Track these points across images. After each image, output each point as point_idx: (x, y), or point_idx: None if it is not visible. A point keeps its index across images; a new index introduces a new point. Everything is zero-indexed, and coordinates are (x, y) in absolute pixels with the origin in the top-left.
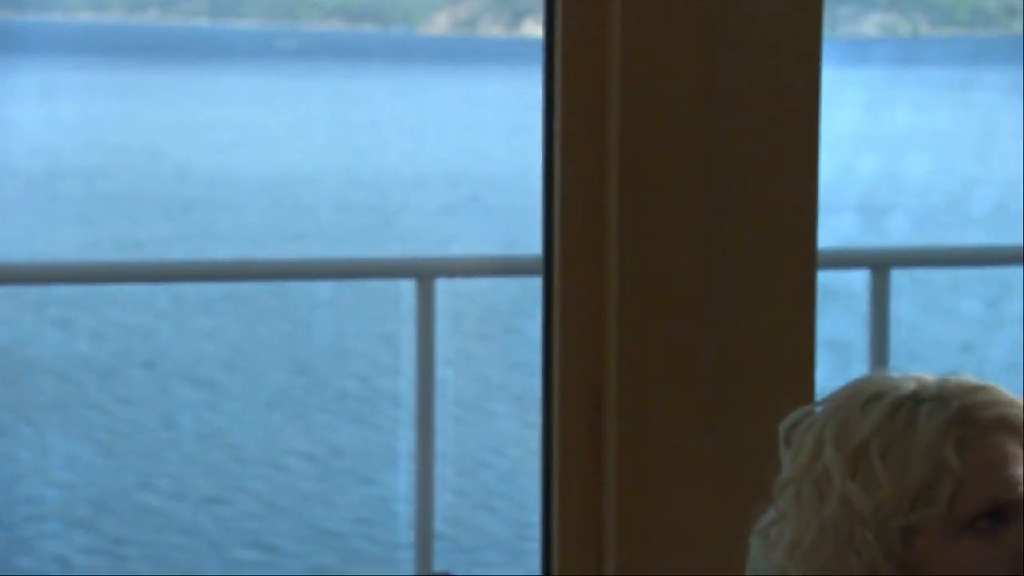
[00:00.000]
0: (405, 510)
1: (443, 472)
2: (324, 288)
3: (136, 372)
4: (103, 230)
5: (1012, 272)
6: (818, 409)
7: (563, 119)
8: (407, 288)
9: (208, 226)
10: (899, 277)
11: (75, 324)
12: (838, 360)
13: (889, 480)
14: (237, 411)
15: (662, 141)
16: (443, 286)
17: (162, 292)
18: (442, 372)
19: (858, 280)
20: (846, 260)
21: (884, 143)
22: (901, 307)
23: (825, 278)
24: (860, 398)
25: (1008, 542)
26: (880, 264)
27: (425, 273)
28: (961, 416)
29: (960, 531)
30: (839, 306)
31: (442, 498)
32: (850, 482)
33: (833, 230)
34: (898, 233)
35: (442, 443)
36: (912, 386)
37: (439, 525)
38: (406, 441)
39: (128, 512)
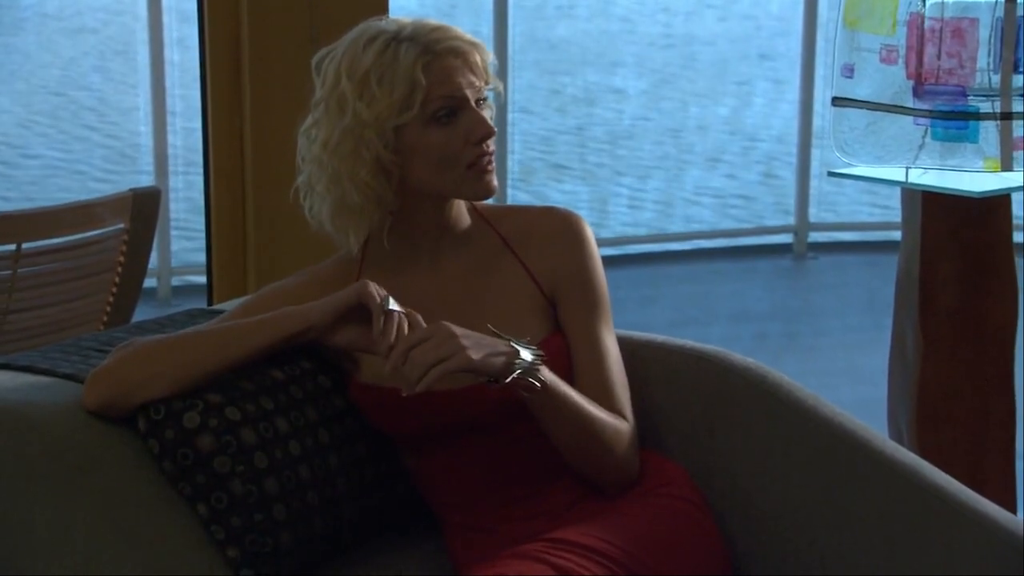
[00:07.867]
0: None
1: None
2: None
3: None
4: None
5: None
6: (337, 49)
7: None
8: None
9: None
10: None
11: None
12: None
13: (383, 97)
14: None
15: None
16: None
17: None
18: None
19: None
20: None
21: None
22: None
23: None
24: (362, 40)
25: (460, 125)
26: None
27: None
28: (425, 48)
29: (429, 123)
30: None
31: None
32: (358, 102)
33: None
34: None
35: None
36: (395, 28)
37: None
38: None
39: None
